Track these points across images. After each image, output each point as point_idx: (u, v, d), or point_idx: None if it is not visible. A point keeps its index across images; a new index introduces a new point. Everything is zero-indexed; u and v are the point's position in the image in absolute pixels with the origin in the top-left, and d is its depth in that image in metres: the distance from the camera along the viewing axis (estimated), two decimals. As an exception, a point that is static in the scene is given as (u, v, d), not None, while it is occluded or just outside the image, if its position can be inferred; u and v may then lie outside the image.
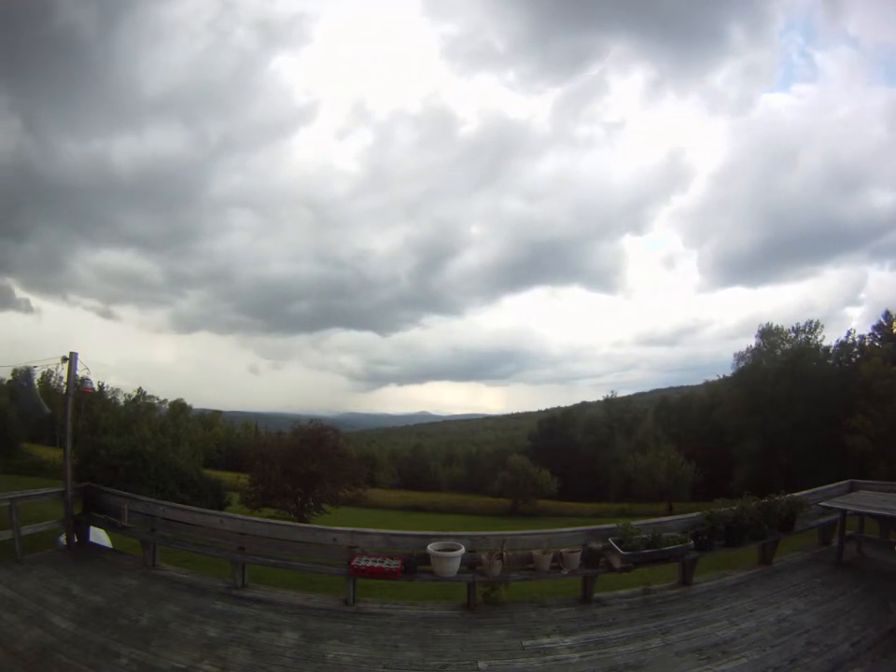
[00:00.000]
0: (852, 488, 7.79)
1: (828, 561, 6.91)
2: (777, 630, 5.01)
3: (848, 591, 5.89)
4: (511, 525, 31.52)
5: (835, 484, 7.92)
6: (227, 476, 29.16)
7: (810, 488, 7.75)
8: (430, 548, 5.78)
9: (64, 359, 7.08)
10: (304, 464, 23.02)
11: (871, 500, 6.93)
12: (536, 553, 5.97)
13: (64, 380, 7.21)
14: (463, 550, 5.78)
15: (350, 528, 6.39)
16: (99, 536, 7.66)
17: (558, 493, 44.83)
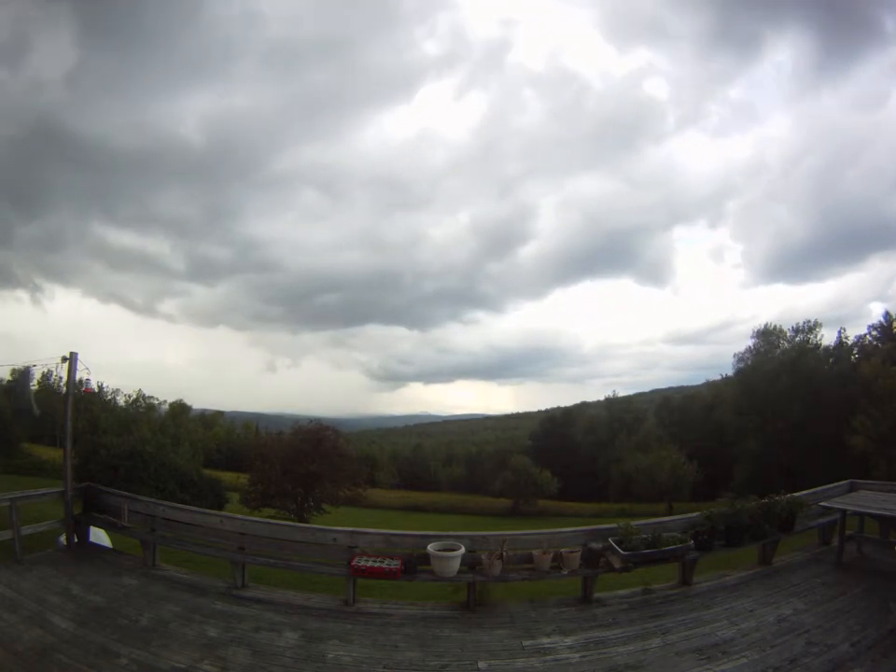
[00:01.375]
0: (852, 488, 7.79)
1: (828, 561, 6.90)
2: (777, 630, 5.01)
3: (848, 591, 5.88)
4: (512, 525, 31.55)
5: (835, 484, 7.92)
6: (227, 476, 29.24)
7: (810, 488, 7.75)
8: (430, 548, 5.78)
9: (64, 359, 7.08)
10: (304, 464, 23.03)
11: (871, 500, 6.92)
12: (536, 552, 5.96)
13: (64, 380, 7.22)
14: (463, 550, 5.78)
15: (350, 528, 6.38)
16: (99, 536, 7.67)
17: (558, 493, 44.86)
